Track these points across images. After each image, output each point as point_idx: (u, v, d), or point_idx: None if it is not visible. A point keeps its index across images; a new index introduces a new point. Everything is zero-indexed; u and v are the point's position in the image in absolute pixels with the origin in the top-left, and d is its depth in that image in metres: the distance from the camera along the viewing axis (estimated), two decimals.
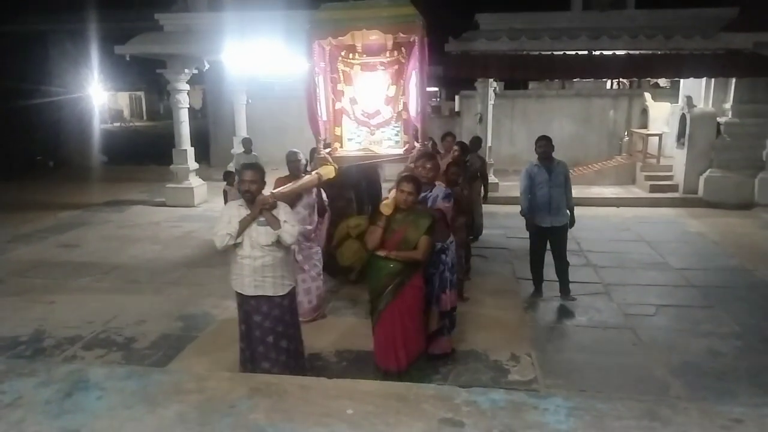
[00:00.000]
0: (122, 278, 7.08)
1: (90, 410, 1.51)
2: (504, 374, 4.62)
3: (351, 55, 6.29)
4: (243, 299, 4.14)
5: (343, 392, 1.59)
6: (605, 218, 10.05)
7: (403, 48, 6.13)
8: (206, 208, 11.09)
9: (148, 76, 14.77)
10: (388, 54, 6.23)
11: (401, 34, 5.86)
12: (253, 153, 9.68)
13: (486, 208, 8.56)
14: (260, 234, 3.99)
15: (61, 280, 7.00)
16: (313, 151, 6.76)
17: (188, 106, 11.56)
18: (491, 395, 1.54)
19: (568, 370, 4.72)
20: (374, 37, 5.92)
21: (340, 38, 5.91)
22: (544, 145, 6.03)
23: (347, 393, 1.58)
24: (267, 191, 4.27)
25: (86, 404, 1.54)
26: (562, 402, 1.50)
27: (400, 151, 6.23)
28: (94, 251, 8.29)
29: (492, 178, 11.74)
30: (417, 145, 5.92)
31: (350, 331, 5.37)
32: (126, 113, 36.43)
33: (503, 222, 9.35)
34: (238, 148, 13.28)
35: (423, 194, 4.70)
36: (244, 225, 3.97)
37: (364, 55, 6.28)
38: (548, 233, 6.05)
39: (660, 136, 12.16)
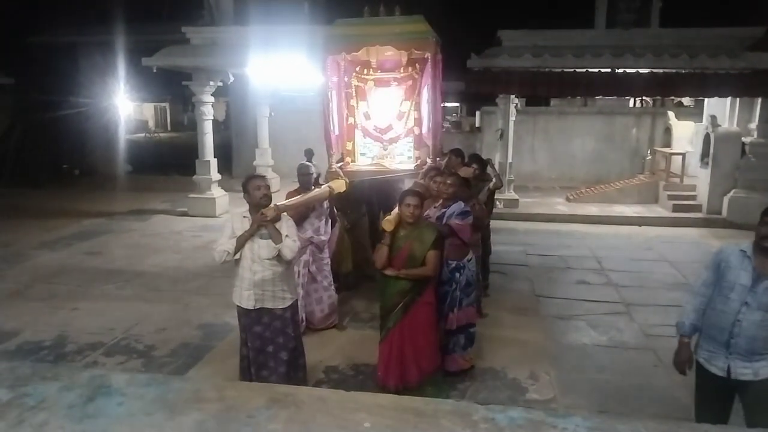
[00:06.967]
0: (144, 286, 7.18)
1: (111, 415, 1.53)
2: (522, 392, 4.57)
3: (365, 71, 6.34)
4: (243, 311, 4.12)
5: (360, 405, 1.58)
6: (627, 237, 9.93)
7: (417, 64, 6.16)
8: (227, 219, 11.18)
9: (173, 88, 14.98)
10: (402, 70, 6.26)
11: (415, 51, 5.88)
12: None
13: (506, 224, 8.50)
14: (262, 247, 3.97)
15: (84, 286, 7.11)
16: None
17: (212, 118, 11.72)
18: (510, 413, 1.53)
19: (588, 390, 4.66)
20: (389, 53, 5.96)
21: (354, 54, 5.96)
22: None
23: (364, 406, 1.58)
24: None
25: (108, 409, 1.56)
26: (581, 422, 1.48)
27: (412, 166, 6.24)
28: (117, 259, 8.42)
29: (512, 194, 11.71)
30: (429, 161, 5.93)
31: (367, 345, 5.33)
32: (151, 124, 36.97)
33: (523, 239, 9.26)
34: (260, 160, 13.41)
35: (443, 210, 4.70)
36: (242, 241, 3.96)
37: (379, 71, 6.32)
38: (731, 386, 3.19)
39: (683, 155, 12.01)
